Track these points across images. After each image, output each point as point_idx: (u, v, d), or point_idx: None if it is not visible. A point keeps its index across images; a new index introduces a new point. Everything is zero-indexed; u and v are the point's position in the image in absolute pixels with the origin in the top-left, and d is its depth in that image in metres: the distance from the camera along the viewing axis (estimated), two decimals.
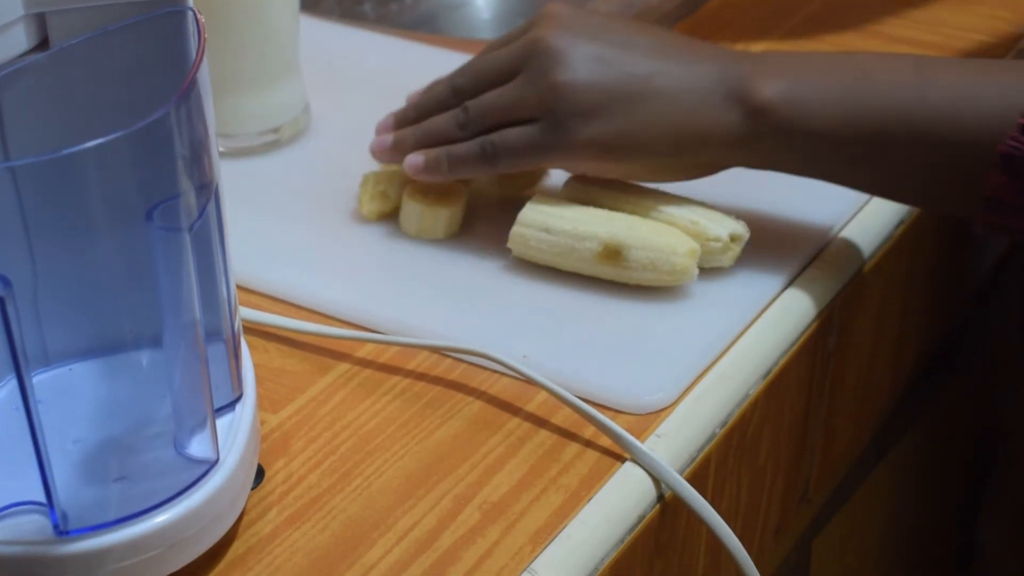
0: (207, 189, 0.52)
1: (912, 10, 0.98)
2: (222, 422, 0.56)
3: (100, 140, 0.46)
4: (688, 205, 0.71)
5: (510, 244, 0.70)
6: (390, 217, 0.75)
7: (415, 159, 0.72)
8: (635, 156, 0.69)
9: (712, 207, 0.71)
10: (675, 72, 0.68)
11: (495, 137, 0.70)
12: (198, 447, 0.54)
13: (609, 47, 0.69)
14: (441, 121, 0.72)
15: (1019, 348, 0.95)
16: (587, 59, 0.68)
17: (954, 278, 0.97)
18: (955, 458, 1.12)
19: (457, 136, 0.72)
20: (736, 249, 0.70)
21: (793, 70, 0.67)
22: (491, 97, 0.70)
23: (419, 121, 0.74)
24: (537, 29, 0.70)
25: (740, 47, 0.94)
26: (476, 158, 0.71)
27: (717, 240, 0.69)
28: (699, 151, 0.69)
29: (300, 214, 0.76)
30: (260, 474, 0.60)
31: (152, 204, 0.49)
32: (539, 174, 0.76)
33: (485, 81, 0.71)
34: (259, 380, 0.64)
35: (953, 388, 1.03)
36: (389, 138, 0.74)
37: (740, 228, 0.70)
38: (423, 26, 1.16)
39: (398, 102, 0.86)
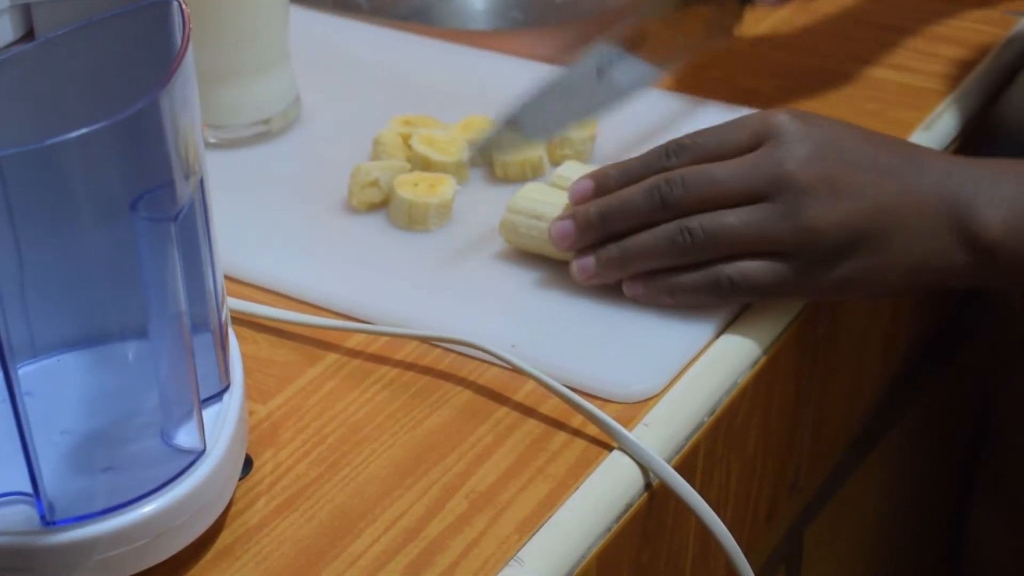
0: (192, 179, 0.52)
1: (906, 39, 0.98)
2: (209, 412, 0.56)
3: (83, 130, 0.46)
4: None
5: (500, 230, 0.70)
6: (380, 208, 0.75)
7: (634, 286, 0.66)
8: (872, 294, 0.68)
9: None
10: (910, 202, 0.65)
11: (732, 271, 0.65)
12: (185, 437, 0.54)
13: (854, 172, 0.65)
14: (657, 242, 0.65)
15: (1016, 335, 0.95)
16: (838, 193, 0.64)
17: None
18: (948, 446, 1.12)
19: (677, 263, 0.66)
20: None
21: (1018, 194, 0.65)
22: (731, 224, 0.64)
23: (619, 217, 0.66)
24: (777, 150, 0.65)
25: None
26: (707, 291, 0.65)
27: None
28: (930, 286, 0.67)
29: (290, 205, 0.76)
30: (248, 464, 0.59)
31: (137, 194, 0.49)
32: (539, 163, 0.75)
33: (713, 199, 0.65)
34: (248, 370, 0.64)
35: (947, 375, 1.03)
36: (590, 261, 0.67)
37: None
38: (417, 17, 1.16)
39: (389, 93, 0.86)
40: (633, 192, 0.67)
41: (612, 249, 0.67)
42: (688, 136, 0.68)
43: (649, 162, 0.68)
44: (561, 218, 0.68)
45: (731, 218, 0.65)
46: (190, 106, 0.51)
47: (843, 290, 0.66)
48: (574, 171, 0.71)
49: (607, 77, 0.76)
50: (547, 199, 0.70)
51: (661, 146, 0.68)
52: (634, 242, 0.66)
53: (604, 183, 0.68)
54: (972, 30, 0.94)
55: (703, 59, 0.90)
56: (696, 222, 0.65)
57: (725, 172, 0.65)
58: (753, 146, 0.66)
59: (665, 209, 0.66)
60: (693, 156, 0.67)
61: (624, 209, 0.67)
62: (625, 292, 0.67)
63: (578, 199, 0.68)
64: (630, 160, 0.69)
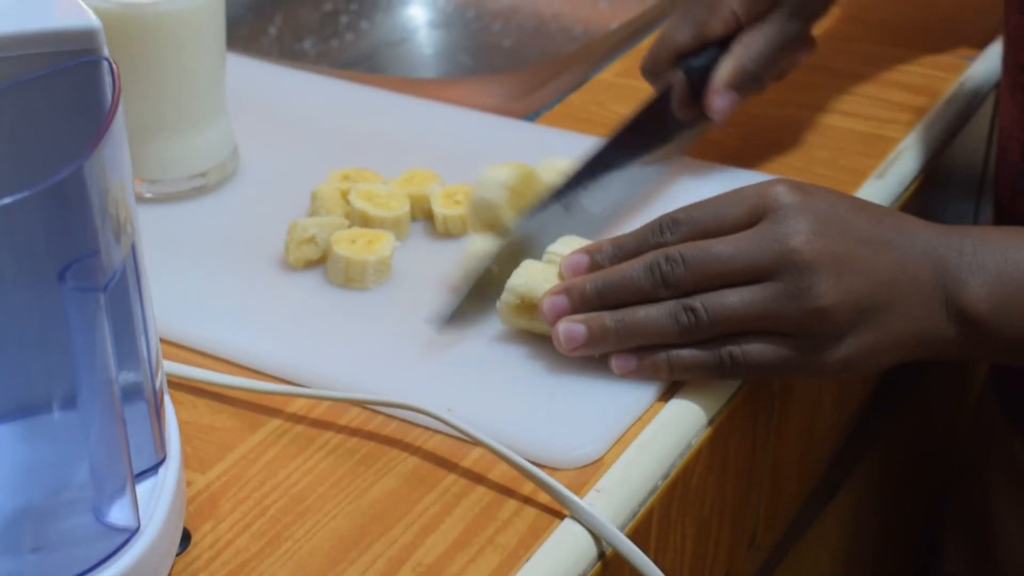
0: (124, 243, 0.51)
1: (856, 44, 0.98)
2: (144, 486, 0.55)
3: (6, 199, 0.44)
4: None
5: (500, 316, 0.68)
6: (318, 264, 0.74)
7: (625, 361, 0.65)
8: (871, 370, 0.67)
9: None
10: (905, 275, 0.65)
11: (736, 351, 0.64)
12: (118, 514, 0.52)
13: (855, 247, 0.64)
14: (659, 320, 0.64)
15: (979, 365, 0.95)
16: (841, 270, 0.63)
17: None
18: (910, 487, 1.12)
19: (678, 341, 0.65)
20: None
21: (1002, 265, 0.65)
22: (734, 304, 0.64)
23: (617, 293, 0.65)
24: (779, 225, 0.64)
25: None
26: (709, 369, 0.65)
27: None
28: (924, 358, 0.67)
29: (227, 262, 0.75)
30: (186, 538, 0.58)
31: (64, 264, 0.47)
32: (495, 222, 0.74)
33: (716, 277, 0.64)
34: (187, 438, 0.63)
35: (906, 414, 1.03)
36: (580, 329, 0.65)
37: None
38: (363, 63, 1.16)
39: (330, 145, 0.85)
40: (633, 268, 0.65)
41: (607, 320, 0.65)
42: (683, 210, 0.67)
43: (644, 237, 0.67)
44: (554, 292, 0.66)
45: (734, 298, 0.64)
46: (120, 167, 0.50)
47: (845, 369, 0.65)
48: (568, 246, 0.69)
49: (575, 209, 0.75)
50: (544, 277, 0.68)
51: (655, 221, 0.67)
52: (633, 317, 0.65)
53: (598, 258, 0.67)
54: (924, 75, 0.95)
55: None
56: (699, 302, 0.64)
57: (727, 250, 0.64)
58: (751, 221, 0.65)
59: (666, 287, 0.65)
60: (689, 231, 0.66)
61: (623, 285, 0.65)
62: (614, 367, 0.65)
63: (571, 274, 0.67)
64: (623, 235, 0.68)
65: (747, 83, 0.79)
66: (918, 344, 0.66)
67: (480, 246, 0.71)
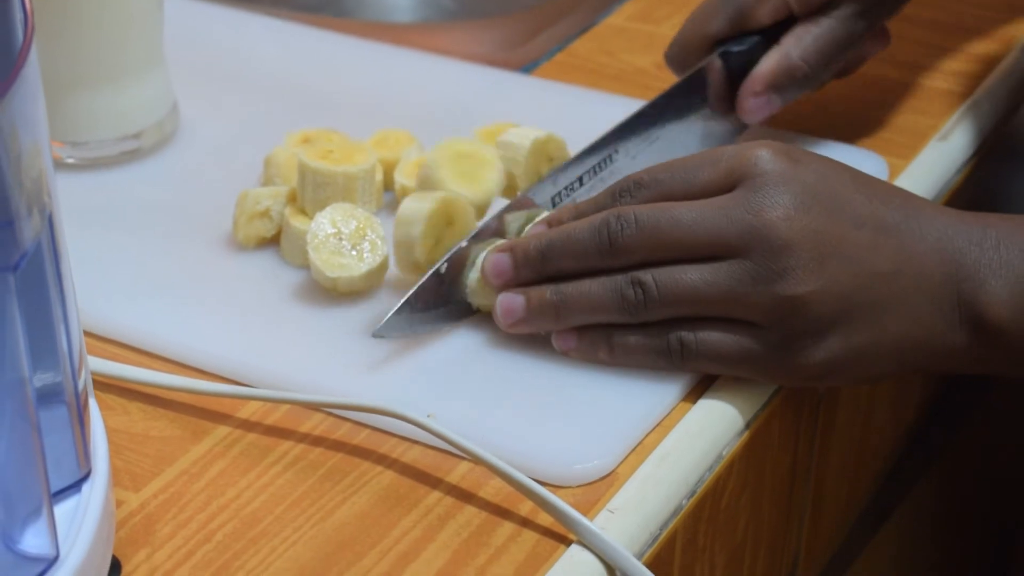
0: (38, 216, 0.50)
1: None
2: (64, 508, 0.54)
3: None
4: None
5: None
6: (272, 243, 0.74)
7: (565, 339, 0.66)
8: (859, 380, 0.67)
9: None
10: (908, 270, 0.64)
11: (688, 337, 0.64)
12: (33, 541, 0.52)
13: (846, 228, 0.63)
14: (602, 294, 0.65)
15: None
16: (826, 254, 0.63)
17: None
18: (974, 512, 1.12)
19: (624, 320, 0.65)
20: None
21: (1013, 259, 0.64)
22: (691, 281, 0.63)
23: (561, 254, 0.66)
24: (756, 194, 0.63)
25: None
26: (656, 356, 0.65)
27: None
28: (926, 369, 0.67)
29: (164, 241, 0.75)
30: (116, 569, 0.58)
31: None
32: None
33: (672, 245, 0.64)
34: (117, 449, 0.63)
35: (969, 428, 1.03)
36: (519, 301, 0.66)
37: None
38: (328, 7, 1.16)
39: (287, 102, 0.85)
40: (579, 227, 0.66)
41: (546, 292, 0.66)
42: (648, 171, 0.67)
43: (602, 201, 0.67)
44: (498, 249, 0.68)
45: (693, 274, 0.64)
46: (34, 125, 0.49)
47: (825, 375, 0.65)
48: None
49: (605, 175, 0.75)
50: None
51: (617, 183, 0.67)
52: (574, 289, 0.66)
53: (539, 253, 0.67)
54: (995, 21, 0.94)
55: None
56: (649, 275, 0.64)
57: (690, 215, 0.64)
58: (726, 187, 0.65)
59: (613, 252, 0.65)
60: (652, 195, 0.66)
61: (567, 246, 0.66)
62: (555, 345, 0.66)
63: (505, 271, 0.68)
64: (585, 200, 0.69)
65: (793, 84, 0.77)
66: (922, 352, 0.65)
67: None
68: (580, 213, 0.68)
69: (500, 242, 0.69)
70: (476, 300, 0.69)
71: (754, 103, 0.77)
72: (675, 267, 0.64)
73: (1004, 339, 0.64)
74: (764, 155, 0.64)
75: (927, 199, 0.68)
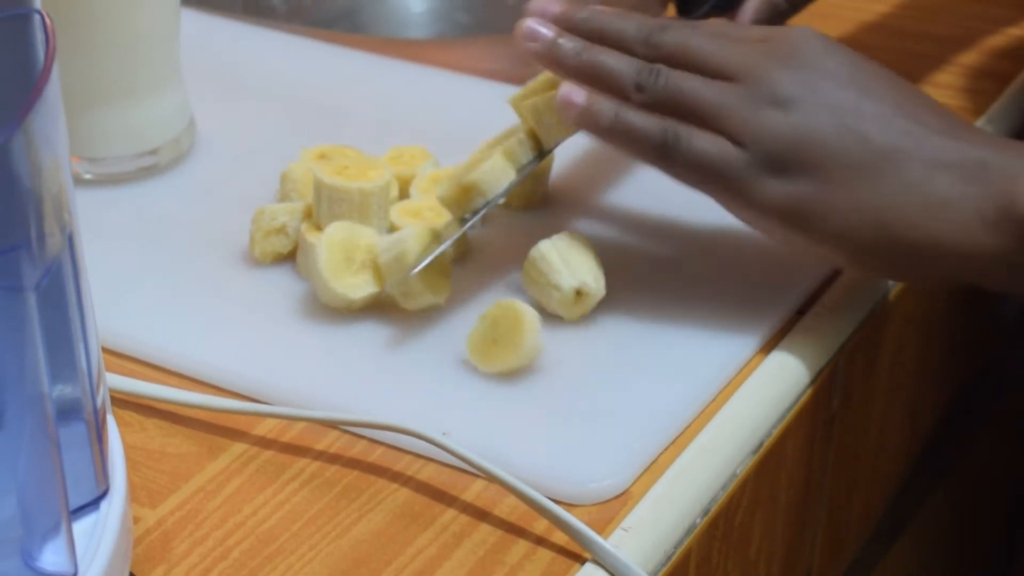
0: (58, 235, 0.50)
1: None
2: (82, 524, 0.54)
3: None
4: (567, 240, 0.70)
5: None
6: (288, 259, 0.74)
7: (575, 96, 0.69)
8: (829, 234, 0.66)
9: (589, 249, 0.70)
10: (923, 153, 0.65)
11: (684, 131, 0.67)
12: (51, 558, 0.52)
13: (853, 99, 0.66)
14: (619, 63, 0.69)
15: None
16: (822, 106, 0.66)
17: (979, 317, 0.97)
18: (986, 529, 1.12)
19: (629, 95, 0.68)
20: (583, 307, 0.70)
21: None
22: (696, 84, 0.67)
23: (588, 37, 0.70)
24: (782, 48, 0.68)
25: None
26: (650, 141, 0.67)
27: (556, 289, 0.69)
28: (923, 259, 0.65)
29: (182, 256, 0.75)
30: None
31: None
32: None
33: (693, 62, 0.68)
34: (134, 466, 0.63)
35: (982, 446, 1.03)
36: (549, 34, 0.70)
37: (592, 284, 0.69)
38: (342, 22, 1.16)
39: (304, 118, 0.85)
40: (621, 17, 0.70)
41: (569, 43, 0.70)
42: (673, 36, 0.70)
43: (625, 36, 0.70)
44: (542, 22, 0.71)
45: (697, 82, 0.67)
46: (55, 142, 0.49)
47: (789, 216, 0.66)
48: None
49: None
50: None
51: (644, 30, 0.70)
52: (598, 50, 0.69)
53: (572, 19, 0.71)
54: (1012, 36, 0.94)
55: None
56: (663, 67, 0.68)
57: (724, 46, 0.68)
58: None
59: (648, 43, 0.69)
60: (676, 59, 0.69)
61: (607, 24, 0.70)
62: (559, 97, 0.69)
63: (538, 10, 0.72)
64: (609, 17, 0.71)
65: (777, 18, 0.81)
66: (930, 238, 0.64)
67: None
68: (602, 25, 0.71)
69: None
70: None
71: None
72: (687, 73, 0.68)
73: None
74: (803, 35, 0.68)
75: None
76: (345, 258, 0.69)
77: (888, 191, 0.65)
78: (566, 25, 0.71)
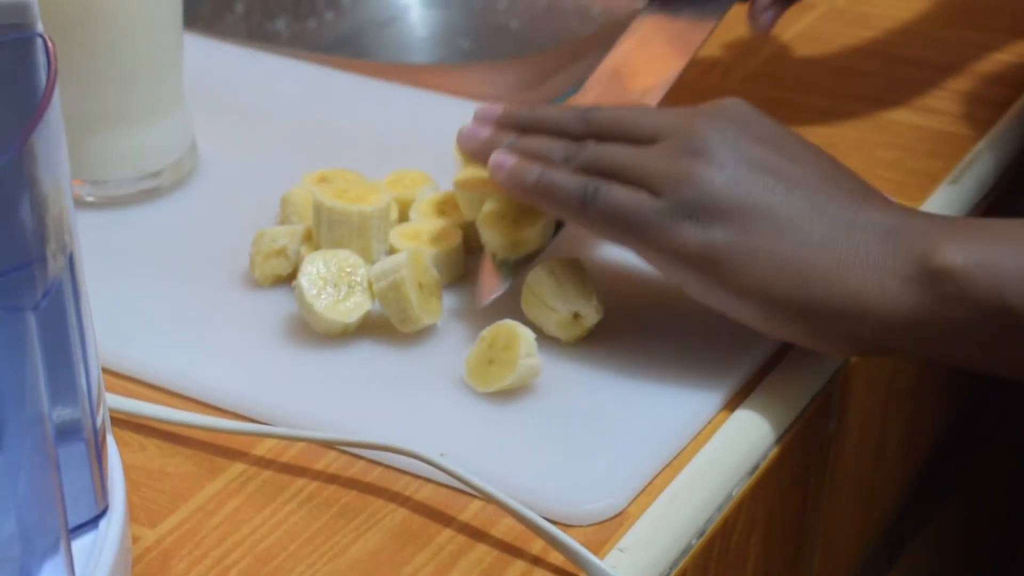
0: (59, 256, 0.50)
1: (918, 25, 0.98)
2: (82, 543, 0.55)
3: None
4: (565, 264, 0.71)
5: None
6: (288, 281, 0.74)
7: (504, 159, 0.71)
8: (744, 285, 0.66)
9: (586, 273, 0.71)
10: (841, 213, 0.66)
11: (603, 186, 0.68)
12: (50, 575, 0.51)
13: (773, 157, 0.68)
14: (547, 144, 0.71)
15: None
16: (741, 161, 0.67)
17: None
18: (984, 553, 1.11)
19: (557, 166, 0.71)
20: (580, 329, 0.70)
21: (987, 234, 0.64)
22: (620, 148, 0.70)
23: (529, 129, 0.73)
24: (708, 108, 0.70)
25: (718, 72, 0.94)
26: (571, 195, 0.69)
27: (553, 311, 0.69)
28: (838, 318, 0.65)
29: (183, 278, 0.75)
30: None
31: None
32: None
33: (622, 132, 0.70)
34: (133, 485, 0.63)
35: (980, 471, 1.02)
36: (485, 132, 0.73)
37: (589, 310, 0.69)
38: (345, 47, 1.16)
39: (304, 142, 0.85)
40: (557, 109, 0.73)
41: (508, 136, 0.72)
42: (604, 115, 0.72)
43: (560, 123, 0.72)
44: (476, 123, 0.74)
45: (622, 147, 0.70)
46: (56, 164, 0.50)
47: (702, 263, 0.66)
48: None
49: None
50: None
51: (578, 114, 0.72)
52: (531, 136, 0.72)
53: (511, 119, 0.73)
54: (1007, 64, 0.94)
55: (688, 99, 0.90)
56: (592, 143, 0.70)
57: (652, 117, 0.71)
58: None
59: (581, 123, 0.71)
60: (608, 133, 0.71)
61: (548, 116, 0.73)
62: (490, 162, 0.71)
63: (482, 118, 0.74)
64: (543, 112, 0.73)
65: None
66: (844, 292, 0.64)
67: None
68: (539, 119, 0.73)
69: None
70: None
71: (768, 16, 0.85)
72: (617, 144, 0.70)
73: (955, 288, 0.63)
74: (732, 101, 0.70)
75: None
76: (334, 284, 0.70)
77: (806, 246, 0.65)
78: (507, 122, 0.73)
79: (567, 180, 0.69)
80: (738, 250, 0.65)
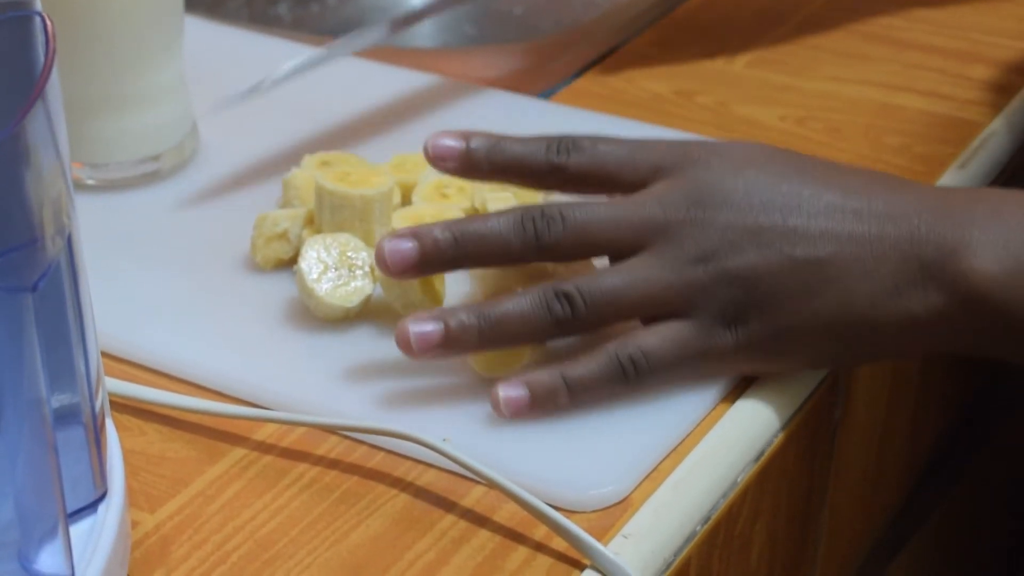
0: (58, 237, 0.50)
1: (925, 11, 0.98)
2: (80, 528, 0.54)
3: None
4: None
5: None
6: (290, 265, 0.73)
7: (518, 399, 0.63)
8: (802, 361, 0.66)
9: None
10: (851, 249, 0.63)
11: (633, 350, 0.63)
12: (48, 561, 0.52)
13: (769, 216, 0.63)
14: (528, 310, 0.63)
15: None
16: (743, 240, 0.63)
17: None
18: (990, 543, 1.11)
19: (554, 333, 0.64)
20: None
21: (1007, 227, 0.62)
22: (613, 283, 0.63)
23: (479, 246, 0.64)
24: (673, 187, 0.64)
25: (723, 58, 0.93)
26: (612, 381, 0.63)
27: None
28: (878, 344, 0.64)
29: (183, 262, 0.75)
30: None
31: None
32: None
33: (591, 245, 0.64)
34: (133, 470, 0.63)
35: (988, 457, 1.02)
36: (434, 329, 0.63)
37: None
38: (348, 30, 1.16)
39: (306, 125, 0.85)
40: (500, 220, 0.64)
41: (465, 316, 0.63)
42: (590, 139, 0.66)
43: (536, 148, 0.66)
44: (398, 234, 0.65)
45: (615, 279, 0.64)
46: (55, 145, 0.49)
47: (762, 353, 0.64)
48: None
49: None
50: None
51: (554, 136, 0.67)
52: (499, 308, 0.64)
53: (474, 145, 0.67)
54: (1017, 49, 0.94)
55: (693, 83, 0.90)
56: (573, 286, 0.63)
57: (613, 212, 0.64)
58: (653, 176, 0.65)
59: (540, 249, 0.64)
60: (588, 164, 0.66)
61: (487, 238, 0.64)
62: (503, 407, 0.63)
63: (438, 158, 0.67)
64: (511, 138, 0.67)
65: None
66: (873, 330, 0.63)
67: None
68: (502, 149, 0.66)
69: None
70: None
71: None
72: (593, 276, 0.64)
73: (990, 301, 0.61)
74: (690, 149, 0.65)
75: (906, 180, 0.66)
76: (335, 268, 0.69)
77: (840, 299, 0.63)
78: (436, 255, 0.65)
79: (596, 370, 0.63)
80: (774, 332, 0.64)
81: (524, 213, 0.64)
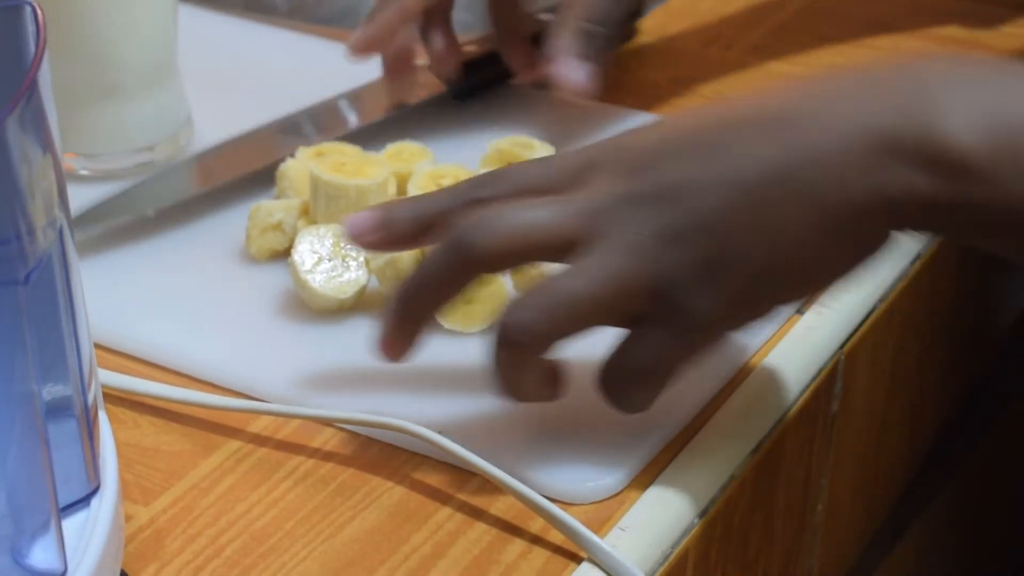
0: (49, 229, 0.50)
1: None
2: (73, 521, 0.54)
3: None
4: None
5: None
6: (284, 256, 0.73)
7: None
8: (781, 300, 0.60)
9: None
10: (796, 155, 0.56)
11: (614, 366, 0.61)
12: (41, 555, 0.51)
13: (694, 136, 0.59)
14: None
15: None
16: (666, 159, 0.58)
17: (982, 318, 0.97)
18: (992, 530, 1.12)
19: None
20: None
21: (989, 94, 0.55)
22: (567, 294, 0.59)
23: (423, 293, 0.62)
24: (594, 194, 0.60)
25: (720, 45, 0.93)
26: (631, 408, 0.62)
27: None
28: (862, 242, 0.58)
29: (177, 253, 0.75)
30: None
31: None
32: None
33: (532, 249, 0.60)
34: (127, 463, 0.63)
35: (987, 446, 1.02)
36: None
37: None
38: (345, 20, 1.16)
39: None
40: (431, 261, 0.61)
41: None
42: (512, 166, 0.64)
43: (460, 191, 0.63)
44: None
45: (565, 284, 0.59)
46: (46, 136, 0.49)
47: (730, 318, 0.60)
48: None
49: None
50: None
51: (476, 177, 0.64)
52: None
53: (392, 222, 0.63)
54: (1020, 36, 0.94)
55: (689, 72, 0.89)
56: (527, 313, 0.59)
57: (536, 213, 0.60)
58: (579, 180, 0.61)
59: (474, 267, 0.61)
60: (510, 187, 0.62)
61: (424, 284, 0.62)
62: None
63: (356, 234, 0.63)
64: (427, 194, 0.65)
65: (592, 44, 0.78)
66: (856, 215, 0.56)
67: None
68: (420, 206, 0.64)
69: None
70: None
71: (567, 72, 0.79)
72: (547, 287, 0.60)
73: (976, 167, 0.54)
74: (610, 140, 0.62)
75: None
76: (329, 259, 0.69)
77: (802, 214, 0.57)
78: (397, 328, 0.63)
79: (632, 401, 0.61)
80: (735, 297, 0.59)
81: (450, 243, 0.61)
